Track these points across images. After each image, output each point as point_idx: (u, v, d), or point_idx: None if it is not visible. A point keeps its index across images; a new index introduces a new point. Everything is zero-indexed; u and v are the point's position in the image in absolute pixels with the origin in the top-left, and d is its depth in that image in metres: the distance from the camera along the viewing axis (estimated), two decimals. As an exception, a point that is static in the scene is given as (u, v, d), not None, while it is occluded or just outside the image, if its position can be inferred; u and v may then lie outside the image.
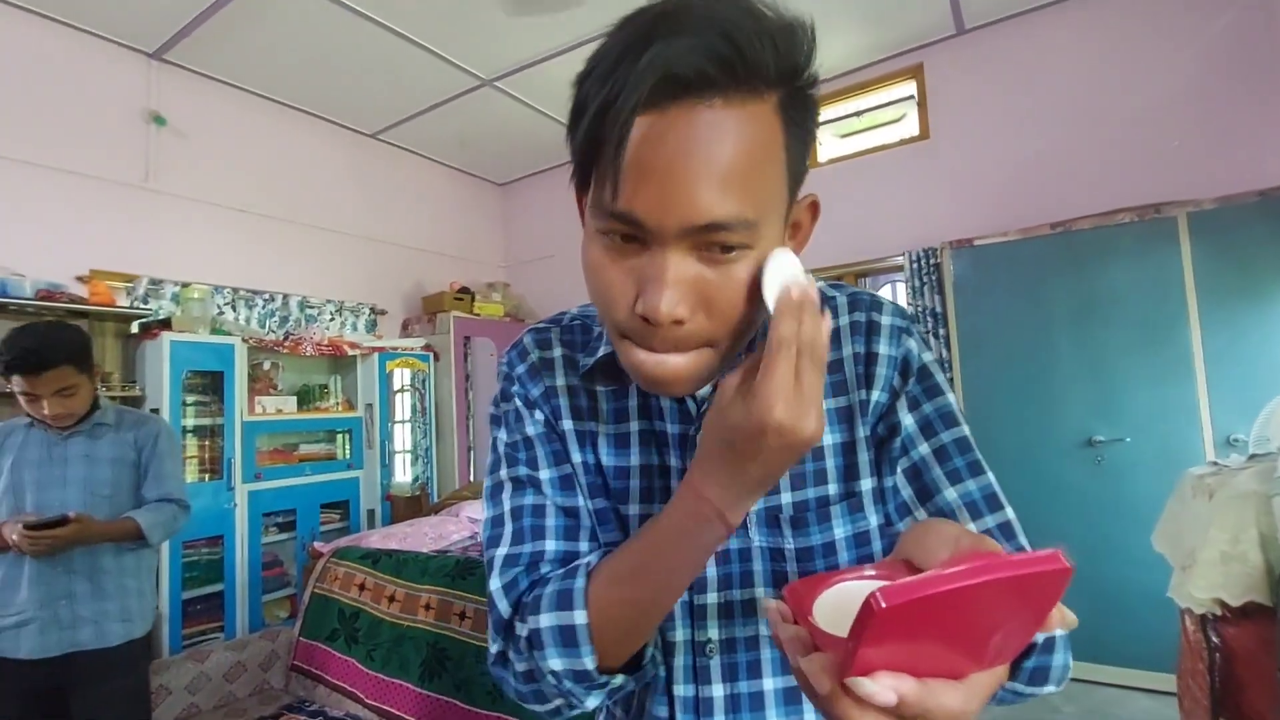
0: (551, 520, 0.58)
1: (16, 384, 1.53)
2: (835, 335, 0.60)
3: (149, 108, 3.28)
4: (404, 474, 4.17)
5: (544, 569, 0.55)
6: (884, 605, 0.26)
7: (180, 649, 2.83)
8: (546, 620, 0.51)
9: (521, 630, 0.53)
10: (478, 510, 3.24)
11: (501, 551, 0.57)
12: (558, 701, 0.53)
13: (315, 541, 3.35)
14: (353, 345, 3.83)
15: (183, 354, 2.98)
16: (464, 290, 4.53)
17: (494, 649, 0.56)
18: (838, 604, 0.32)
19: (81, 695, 1.59)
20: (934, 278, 3.36)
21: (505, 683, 0.56)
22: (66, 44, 3.03)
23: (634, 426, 0.61)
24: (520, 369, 0.64)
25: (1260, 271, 2.51)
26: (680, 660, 0.57)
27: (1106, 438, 2.76)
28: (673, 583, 0.49)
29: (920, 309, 3.38)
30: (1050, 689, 0.51)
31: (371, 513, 3.81)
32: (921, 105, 3.66)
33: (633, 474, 0.60)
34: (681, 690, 0.57)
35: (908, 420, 0.57)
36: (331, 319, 4.00)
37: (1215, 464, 1.67)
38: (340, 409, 3.81)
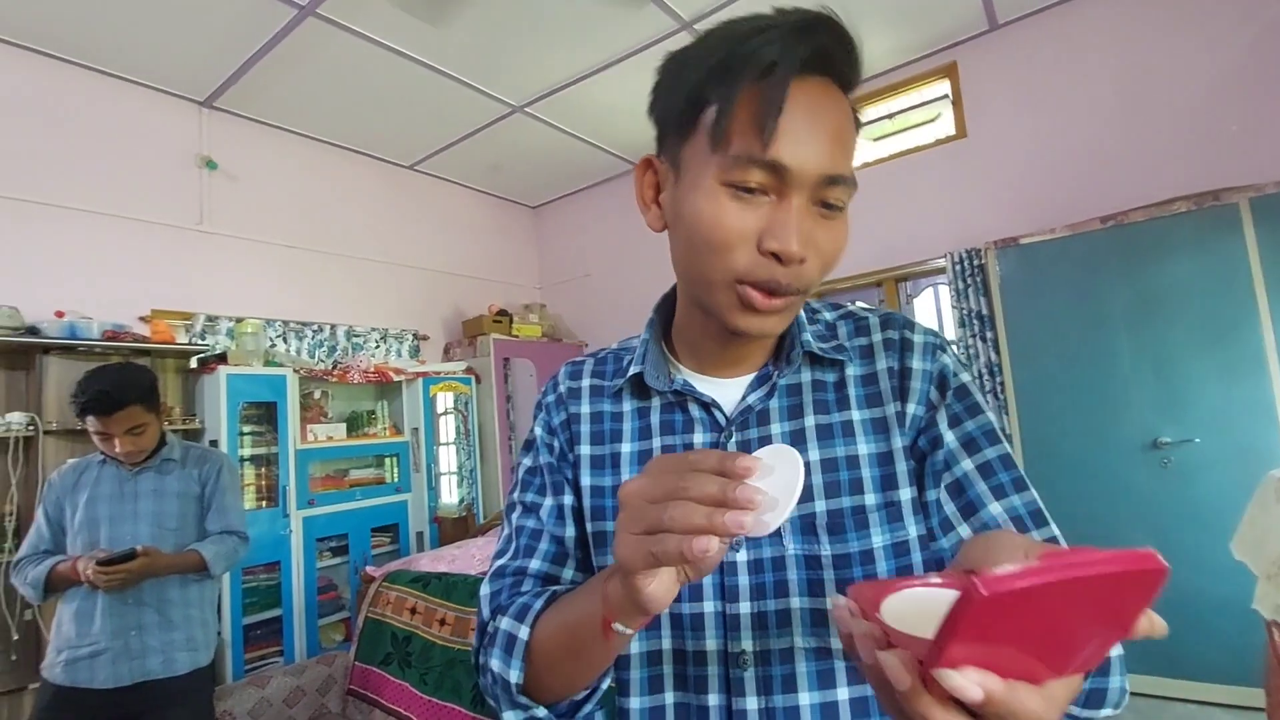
0: (543, 545, 0.64)
1: (90, 424, 1.62)
2: (869, 350, 0.63)
3: (201, 153, 3.45)
4: (450, 495, 4.23)
5: (525, 584, 0.61)
6: (985, 593, 0.25)
7: (243, 673, 2.92)
8: (504, 624, 0.57)
9: (491, 629, 0.59)
10: (523, 531, 3.27)
11: (497, 563, 0.64)
12: (494, 704, 0.58)
13: (368, 565, 3.43)
14: (398, 371, 3.92)
15: (238, 386, 3.10)
16: (502, 313, 4.60)
17: (475, 644, 0.62)
18: (906, 608, 0.31)
19: (150, 724, 1.65)
20: (979, 279, 3.27)
21: (477, 673, 0.61)
22: (122, 96, 3.21)
23: (656, 443, 0.63)
24: (549, 399, 0.71)
25: (1334, 257, 2.37)
26: (713, 670, 0.57)
27: (1174, 439, 2.62)
28: (578, 655, 0.52)
29: (965, 312, 3.29)
30: (1106, 712, 0.50)
31: (420, 535, 3.87)
32: (957, 104, 3.58)
33: None
34: (714, 700, 0.56)
35: (949, 436, 0.58)
36: (377, 346, 4.11)
37: (1295, 466, 1.57)
38: (387, 434, 3.89)
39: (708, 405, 0.62)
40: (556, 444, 0.68)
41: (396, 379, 3.91)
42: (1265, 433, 2.46)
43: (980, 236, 3.31)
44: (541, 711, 0.55)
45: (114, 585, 1.54)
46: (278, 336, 3.63)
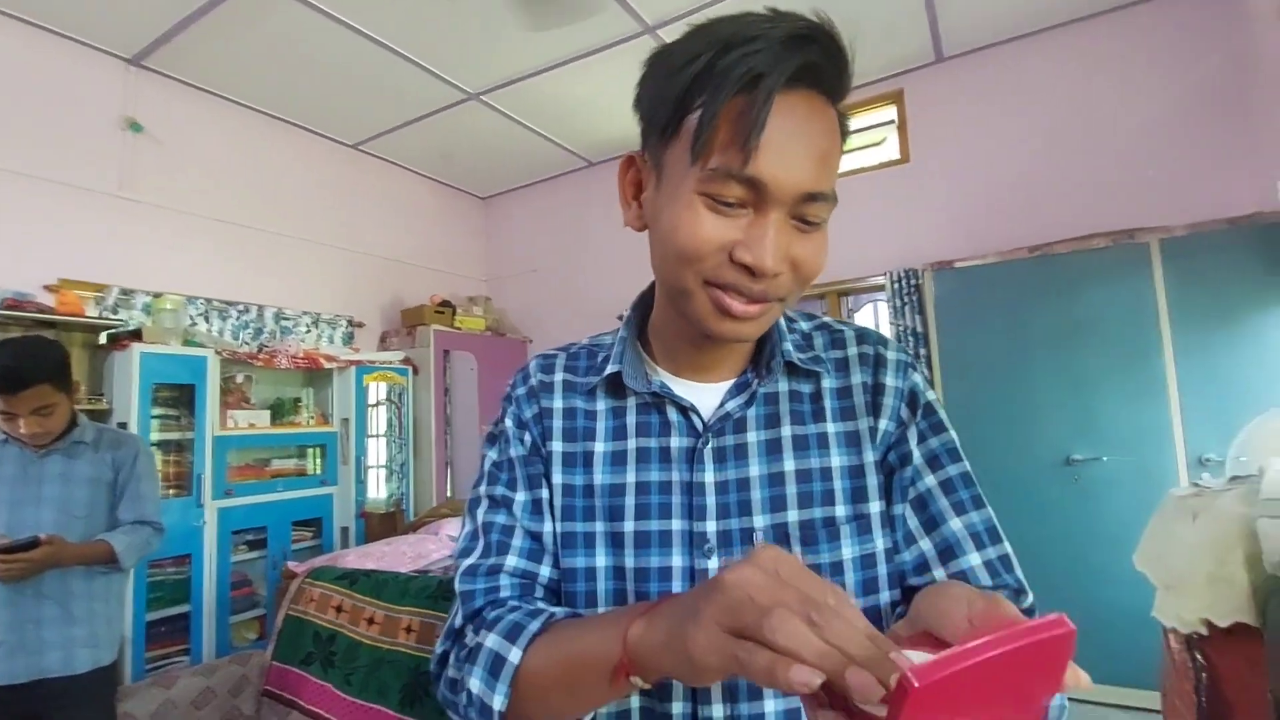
0: (517, 541, 0.61)
1: None
2: (844, 363, 0.64)
3: (125, 114, 3.21)
4: (378, 490, 4.08)
5: (501, 580, 0.59)
6: (916, 685, 0.28)
7: (144, 673, 2.72)
8: (490, 642, 0.53)
9: (470, 640, 0.55)
10: (457, 528, 3.18)
11: (467, 562, 0.61)
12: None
13: (287, 560, 3.26)
14: (329, 358, 3.75)
15: (153, 366, 2.89)
16: (445, 303, 4.48)
17: (438, 649, 0.59)
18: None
19: (47, 725, 1.51)
20: (915, 298, 3.41)
21: (436, 682, 0.58)
22: (41, 47, 2.95)
23: (631, 445, 0.62)
24: (520, 391, 0.69)
25: (1229, 297, 2.60)
26: None
27: (1084, 456, 2.81)
28: (574, 693, 0.49)
29: (901, 329, 3.43)
30: None
31: (345, 530, 3.71)
32: (902, 129, 3.74)
33: (629, 491, 0.61)
34: (678, 708, 0.55)
35: (916, 453, 0.60)
36: (307, 331, 3.92)
37: (1197, 485, 1.71)
38: (315, 423, 3.72)
39: (686, 410, 0.61)
40: (528, 437, 0.66)
41: (327, 366, 3.74)
42: (1164, 452, 2.68)
43: (918, 258, 3.47)
44: None
45: (13, 576, 1.41)
46: (199, 315, 3.41)
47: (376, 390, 4.09)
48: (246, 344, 3.54)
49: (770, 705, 0.55)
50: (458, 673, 0.55)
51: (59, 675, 1.53)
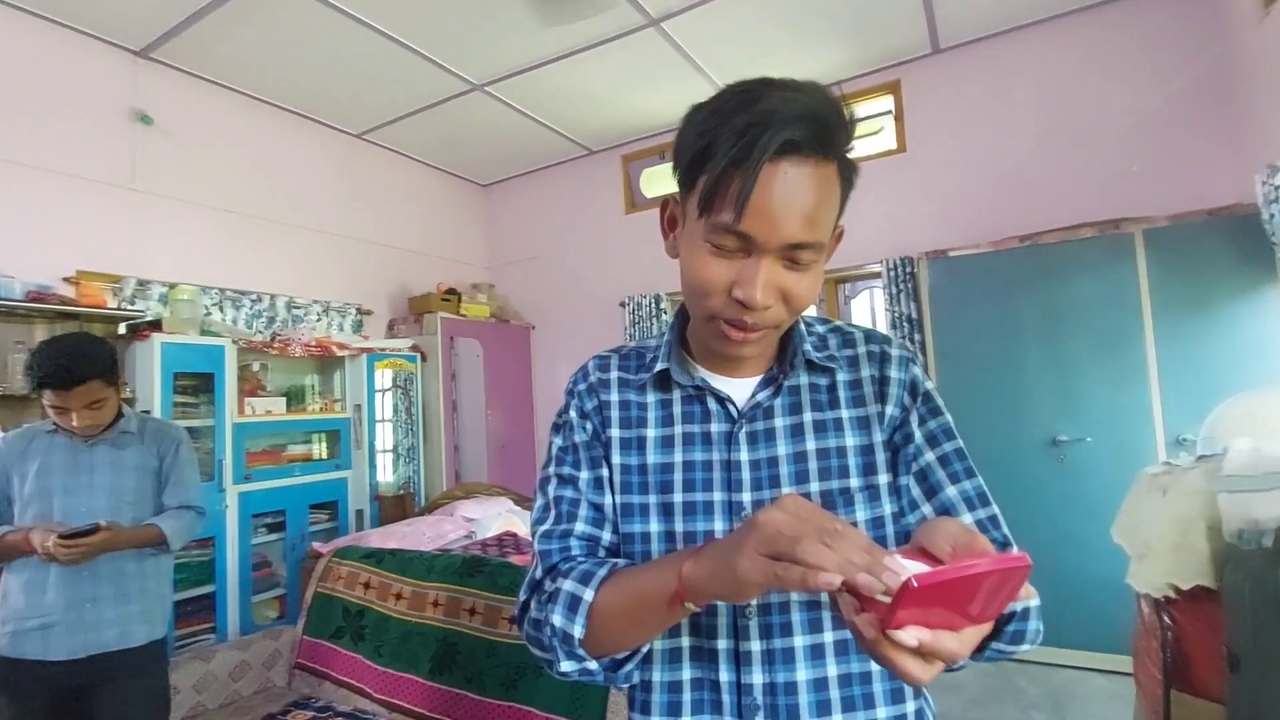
0: (583, 511, 0.74)
1: (47, 398, 1.56)
2: (855, 360, 0.76)
3: (135, 106, 3.26)
4: (387, 474, 4.19)
5: (571, 543, 0.71)
6: (915, 585, 0.40)
7: (174, 650, 2.84)
8: (567, 586, 0.65)
9: (549, 587, 0.68)
10: (473, 510, 3.31)
11: (542, 528, 0.73)
12: (548, 655, 0.67)
13: (306, 541, 3.38)
14: (341, 346, 3.84)
15: (174, 355, 2.98)
16: (451, 291, 4.57)
17: (521, 598, 0.71)
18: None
19: (105, 695, 1.63)
20: (910, 286, 3.53)
21: (520, 625, 0.71)
22: (50, 41, 2.99)
23: (678, 430, 0.75)
24: (581, 386, 0.80)
25: (1208, 285, 2.73)
26: (723, 620, 0.68)
27: (1069, 438, 2.96)
28: (640, 621, 0.62)
29: (897, 315, 3.55)
30: (1025, 648, 0.66)
31: (360, 513, 3.83)
32: (899, 120, 3.83)
33: (677, 469, 0.73)
34: (723, 644, 0.68)
35: (918, 433, 0.72)
36: (318, 319, 4.00)
37: (1168, 463, 1.84)
38: (327, 409, 3.82)
39: (723, 400, 0.74)
40: (590, 425, 0.77)
41: (340, 354, 3.84)
42: (1143, 433, 2.82)
43: (914, 246, 3.58)
44: (594, 664, 0.65)
45: (74, 559, 1.51)
46: (214, 305, 3.49)
47: (383, 377, 4.19)
48: (260, 333, 3.63)
49: (799, 641, 0.67)
50: (540, 614, 0.67)
51: (116, 649, 1.64)
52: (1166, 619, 1.55)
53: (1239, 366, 2.64)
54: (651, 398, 0.77)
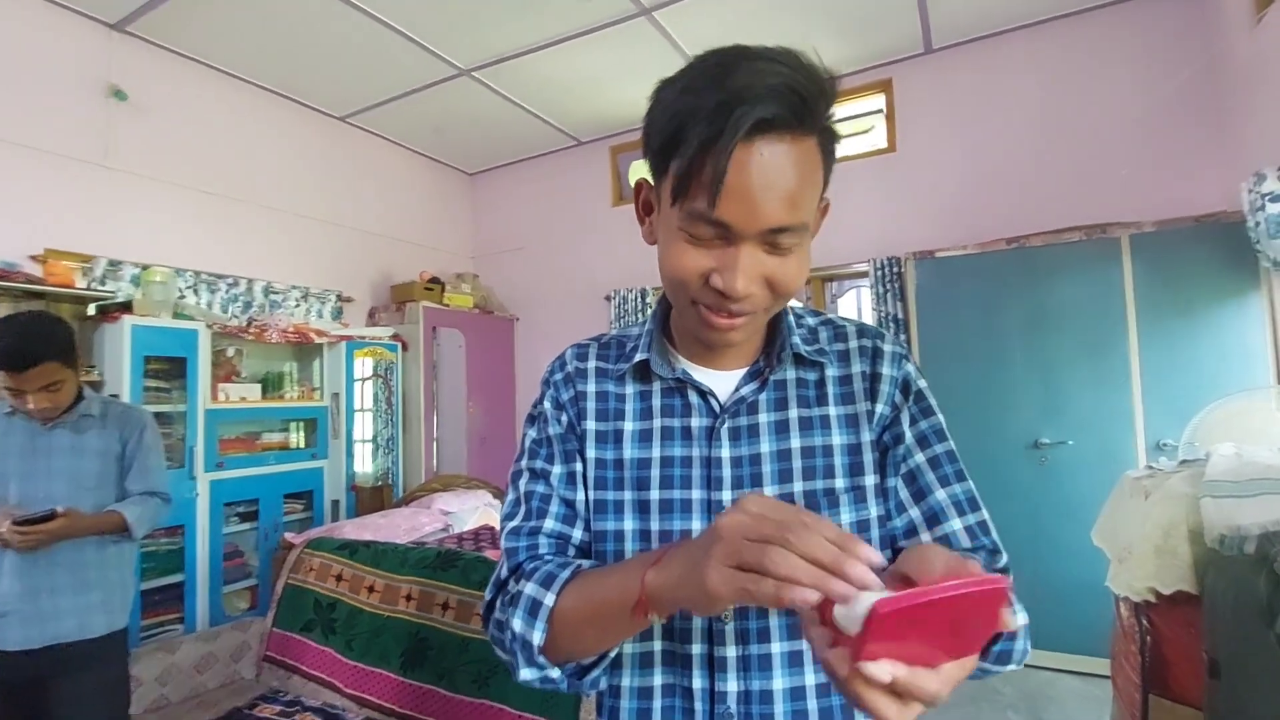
0: (554, 507, 0.70)
1: (1, 379, 1.49)
2: (846, 355, 0.72)
3: (109, 81, 3.16)
4: (364, 464, 4.13)
5: (540, 540, 0.68)
6: (881, 612, 0.37)
7: (139, 641, 2.77)
8: (529, 589, 0.62)
9: (512, 588, 0.65)
10: (449, 502, 3.26)
11: (510, 524, 0.70)
12: (509, 660, 0.64)
13: (280, 532, 3.31)
14: (320, 333, 3.77)
15: (144, 339, 2.90)
16: (434, 280, 4.50)
17: (486, 597, 0.68)
18: (848, 612, 0.40)
19: (63, 686, 1.57)
20: (897, 286, 3.52)
21: (485, 624, 0.68)
22: (23, 11, 2.89)
23: (656, 424, 0.71)
24: (557, 376, 0.76)
25: (1193, 291, 2.74)
26: (698, 624, 0.65)
27: (1051, 440, 2.96)
28: (603, 629, 0.58)
29: (884, 315, 3.54)
30: (1012, 667, 0.63)
31: (336, 503, 3.77)
32: (889, 118, 3.82)
33: (654, 464, 0.69)
34: (697, 649, 0.64)
35: (908, 434, 0.69)
36: (297, 305, 3.92)
37: (1151, 468, 1.84)
38: (305, 398, 3.74)
39: (705, 393, 0.70)
40: (565, 417, 0.74)
41: (318, 341, 3.76)
42: (1125, 437, 2.83)
43: (901, 246, 3.57)
44: (555, 672, 0.61)
45: (29, 546, 1.46)
46: (188, 288, 3.40)
47: (363, 365, 4.11)
48: (236, 317, 3.55)
49: (776, 648, 0.64)
50: (503, 615, 0.64)
51: (74, 640, 1.58)
52: (1146, 623, 1.54)
53: (1222, 372, 2.66)
54: (630, 389, 0.73)
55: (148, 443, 1.76)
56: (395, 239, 4.67)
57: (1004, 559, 0.67)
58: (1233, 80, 2.82)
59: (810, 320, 0.75)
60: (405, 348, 4.26)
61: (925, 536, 0.67)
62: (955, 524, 0.66)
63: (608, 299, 4.54)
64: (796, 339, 0.70)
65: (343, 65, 3.63)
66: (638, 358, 0.72)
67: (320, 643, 2.23)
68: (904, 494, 0.68)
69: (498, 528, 2.99)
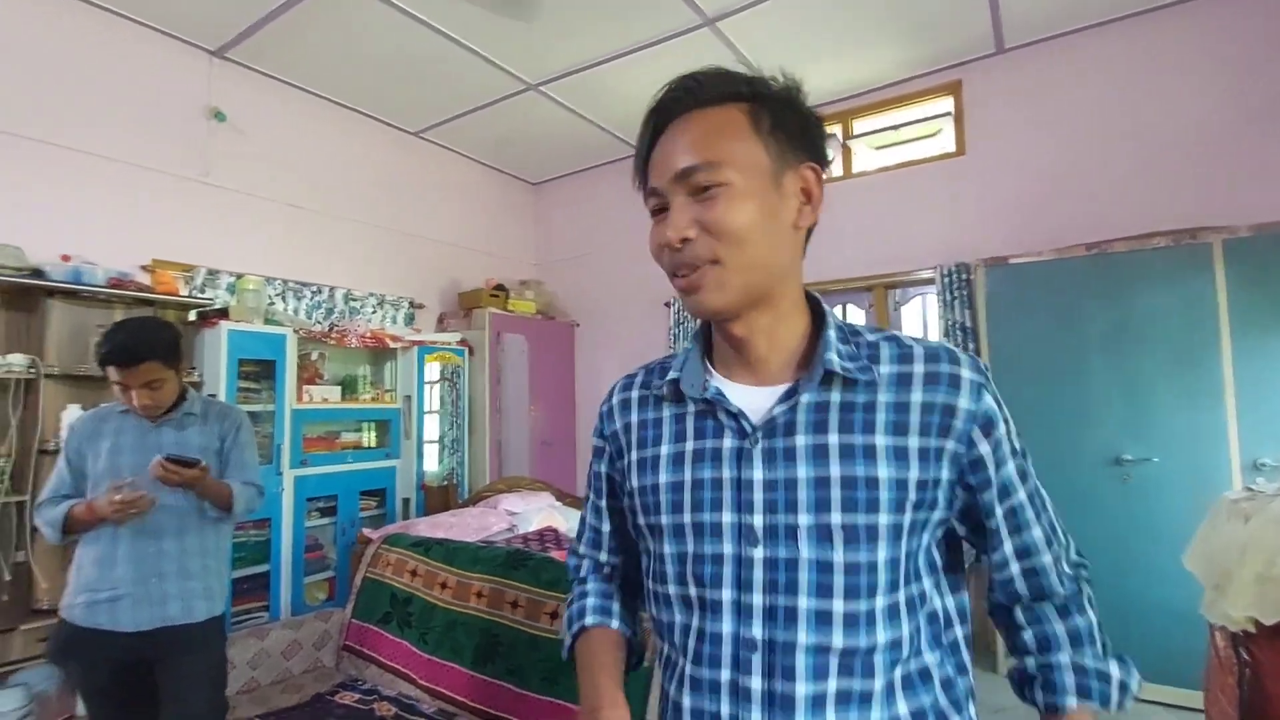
0: (587, 533, 0.89)
1: (111, 374, 1.65)
2: (907, 379, 0.66)
3: (209, 104, 3.40)
4: (431, 465, 4.28)
5: (582, 561, 0.89)
6: None
7: (230, 626, 2.96)
8: (572, 608, 0.86)
9: (572, 592, 0.88)
10: (514, 503, 3.35)
11: (573, 542, 0.92)
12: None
13: (358, 527, 3.48)
14: (394, 338, 3.94)
15: (239, 343, 3.10)
16: (499, 287, 4.64)
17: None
18: None
19: (167, 667, 1.70)
20: (965, 293, 3.43)
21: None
22: (132, 39, 3.15)
23: (689, 446, 0.71)
24: (603, 409, 0.84)
25: (1294, 301, 2.56)
26: (726, 650, 0.65)
27: (1135, 457, 2.82)
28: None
29: (950, 323, 3.45)
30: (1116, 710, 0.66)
31: (407, 501, 3.93)
32: (958, 121, 3.72)
33: (687, 487, 0.70)
34: (726, 675, 0.65)
35: (994, 477, 0.67)
36: (373, 311, 4.12)
37: (1250, 489, 1.74)
38: (379, 399, 3.92)
39: (735, 414, 0.68)
40: (607, 450, 0.83)
41: (393, 345, 3.94)
42: (1217, 456, 2.67)
43: (970, 252, 3.47)
44: None
45: (173, 482, 1.62)
46: (277, 295, 3.62)
47: (432, 369, 4.27)
48: (319, 323, 3.75)
49: (801, 689, 0.62)
50: (566, 606, 0.87)
51: (180, 623, 1.72)
52: (1245, 654, 1.46)
53: (1326, 388, 2.47)
54: (666, 412, 0.75)
55: (244, 439, 1.90)
56: (463, 248, 4.84)
57: (1087, 570, 0.73)
58: (1343, 75, 2.63)
59: (870, 336, 0.71)
60: (472, 352, 4.40)
61: (1015, 568, 0.70)
62: (1045, 558, 0.69)
63: (667, 305, 4.57)
64: (834, 355, 0.67)
65: (418, 83, 3.80)
66: (669, 376, 0.74)
67: (396, 635, 2.34)
68: (1000, 530, 0.69)
69: (561, 529, 3.07)
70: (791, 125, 0.66)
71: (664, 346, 4.55)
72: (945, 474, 0.65)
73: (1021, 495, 0.69)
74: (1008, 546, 0.69)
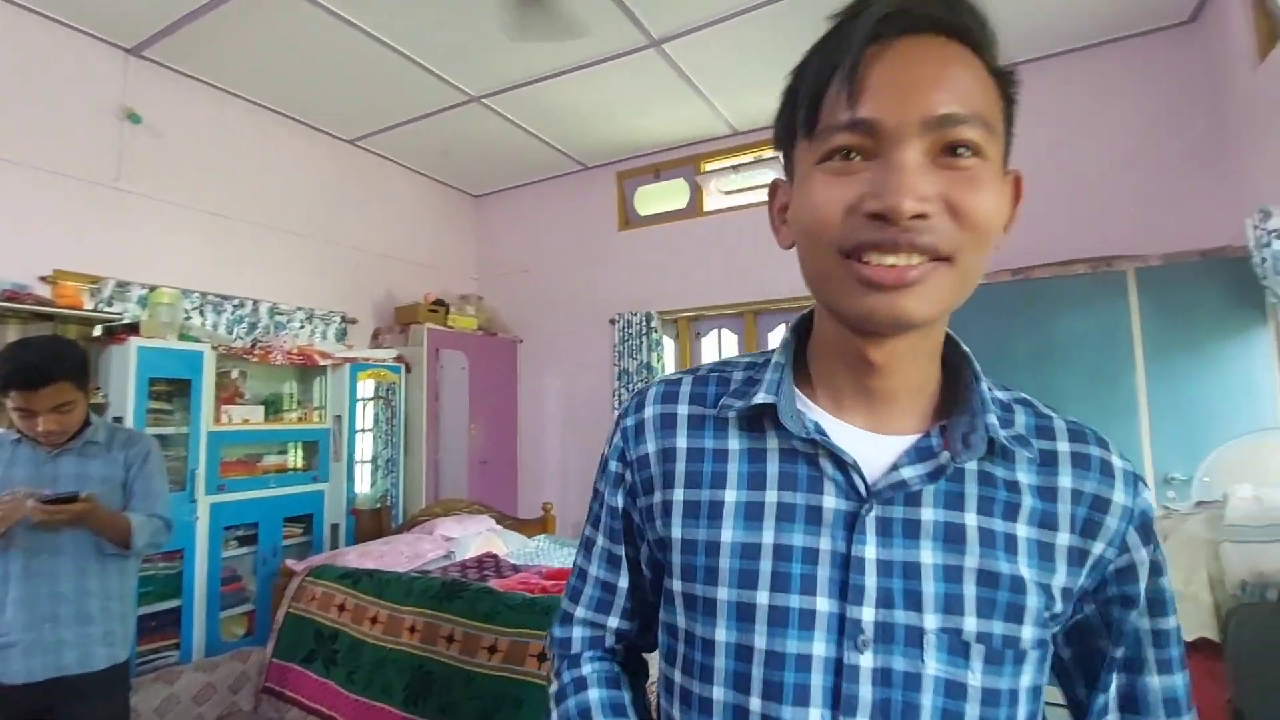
0: (588, 590, 0.64)
1: (12, 399, 1.49)
2: (1053, 458, 0.52)
3: (123, 104, 3.18)
4: (364, 486, 4.09)
5: (574, 632, 0.64)
6: None
7: (135, 668, 2.72)
8: (570, 703, 0.61)
9: (562, 678, 0.64)
10: (451, 528, 3.23)
11: (560, 606, 0.67)
12: None
13: (278, 556, 3.27)
14: (324, 355, 3.75)
15: (150, 360, 2.88)
16: (439, 302, 4.50)
17: (549, 652, 0.67)
18: None
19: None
20: (902, 314, 3.52)
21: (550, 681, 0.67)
22: (41, 35, 2.92)
23: (770, 497, 0.52)
24: (629, 421, 0.61)
25: (1200, 326, 2.74)
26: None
27: (1058, 473, 2.94)
28: None
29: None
30: None
31: (336, 527, 3.72)
32: (894, 149, 3.84)
33: (764, 553, 0.51)
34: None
35: (1143, 595, 0.52)
36: (301, 327, 3.92)
37: (1166, 508, 1.83)
38: (306, 419, 3.72)
39: (849, 465, 0.50)
40: (630, 479, 0.59)
41: (322, 363, 3.75)
42: (1133, 473, 2.81)
43: (906, 275, 3.57)
44: None
45: (53, 522, 1.46)
46: (194, 309, 3.39)
47: (365, 386, 4.09)
48: (241, 339, 3.54)
49: None
50: (554, 690, 0.64)
51: (77, 673, 1.56)
52: (1165, 669, 1.52)
53: (1229, 407, 2.65)
54: (735, 444, 0.55)
55: (151, 467, 1.75)
56: (400, 260, 4.69)
57: None
58: (1237, 117, 2.85)
59: (1000, 393, 0.55)
60: (408, 369, 4.24)
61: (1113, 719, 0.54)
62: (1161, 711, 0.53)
63: (612, 322, 4.53)
64: (994, 419, 0.50)
65: (354, 90, 3.67)
66: (758, 399, 0.53)
67: (321, 675, 2.20)
68: (1121, 662, 0.54)
69: (500, 554, 2.97)
70: (1012, 118, 0.50)
71: (609, 364, 4.51)
72: (1083, 581, 0.51)
73: (1163, 627, 0.53)
74: (1112, 688, 0.53)
